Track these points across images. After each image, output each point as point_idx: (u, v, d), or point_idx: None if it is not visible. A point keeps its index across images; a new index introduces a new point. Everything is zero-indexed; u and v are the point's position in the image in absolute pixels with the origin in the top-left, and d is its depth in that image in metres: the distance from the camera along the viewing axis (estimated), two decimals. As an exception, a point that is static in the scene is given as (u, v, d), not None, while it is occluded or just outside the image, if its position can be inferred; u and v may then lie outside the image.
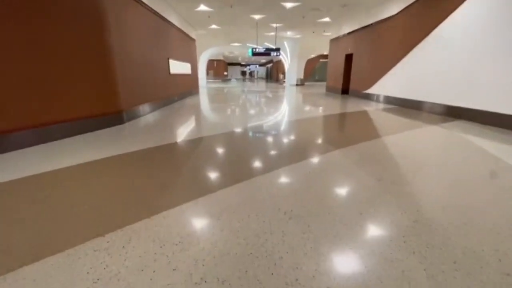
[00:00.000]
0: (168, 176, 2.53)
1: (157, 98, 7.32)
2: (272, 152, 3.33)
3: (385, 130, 4.70)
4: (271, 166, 2.79)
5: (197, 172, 2.63)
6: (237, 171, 2.65)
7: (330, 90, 13.50)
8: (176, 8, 8.96)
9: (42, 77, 3.71)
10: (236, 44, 18.41)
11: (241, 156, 3.16)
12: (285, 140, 3.99)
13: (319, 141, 3.97)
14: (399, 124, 5.25)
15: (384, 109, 7.19)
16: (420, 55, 6.72)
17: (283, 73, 28.47)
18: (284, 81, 26.27)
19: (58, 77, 3.91)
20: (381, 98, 8.57)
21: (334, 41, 12.89)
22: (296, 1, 8.23)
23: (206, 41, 17.30)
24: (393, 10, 7.78)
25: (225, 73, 40.52)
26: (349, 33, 10.95)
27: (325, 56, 31.26)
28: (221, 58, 32.88)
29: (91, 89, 4.48)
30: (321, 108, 8.03)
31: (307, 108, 8.21)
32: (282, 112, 7.14)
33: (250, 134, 4.38)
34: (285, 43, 19.65)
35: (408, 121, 5.54)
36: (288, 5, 8.65)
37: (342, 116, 6.32)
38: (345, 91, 11.79)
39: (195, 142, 3.84)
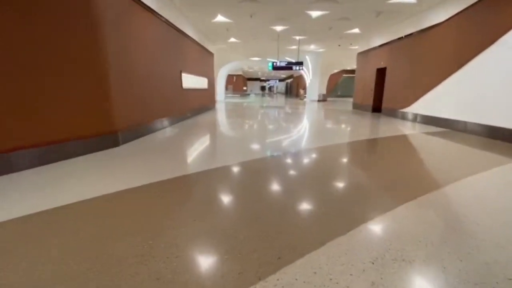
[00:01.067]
0: (132, 252, 1.51)
1: (166, 115, 6.54)
2: (302, 209, 2.23)
3: (458, 167, 3.44)
4: (304, 240, 1.70)
5: (181, 248, 1.59)
6: (246, 250, 1.59)
7: (358, 107, 12.25)
8: (191, 19, 8.38)
9: (15, 88, 2.95)
10: (255, 58, 17.87)
11: (254, 216, 2.09)
12: (317, 183, 2.88)
13: (368, 186, 2.81)
14: (472, 157, 3.96)
15: (434, 133, 5.88)
16: (481, 69, 5.43)
17: (304, 88, 27.54)
18: (305, 97, 25.26)
19: (31, 88, 3.15)
20: (424, 119, 7.23)
21: (362, 54, 11.78)
22: (323, 10, 7.32)
23: (225, 55, 16.88)
24: (439, 17, 6.60)
25: (244, 88, 40.39)
26: (381, 45, 9.82)
27: (348, 71, 30.13)
28: (240, 73, 32.72)
29: (75, 106, 3.70)
30: (354, 130, 6.85)
31: (337, 129, 7.06)
32: (307, 135, 6.05)
33: (268, 169, 3.33)
34: (307, 57, 18.82)
35: (481, 153, 4.23)
36: (314, 14, 7.76)
37: (387, 143, 5.09)
38: (376, 109, 10.50)
39: (192, 180, 2.84)
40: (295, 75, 36.06)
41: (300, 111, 12.36)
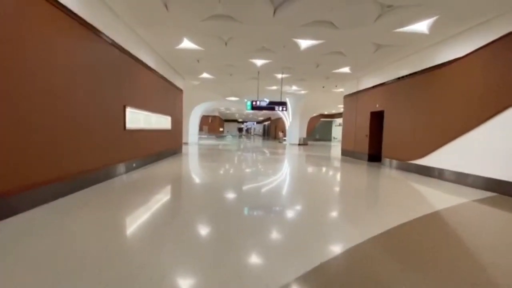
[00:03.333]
0: None
1: (89, 170, 4.15)
2: None
3: None
4: None
5: None
6: None
7: (348, 154, 10.67)
8: (150, 43, 6.59)
9: None
10: (233, 98, 16.45)
11: None
12: None
13: None
14: None
15: (488, 201, 4.08)
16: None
17: (283, 131, 26.52)
18: (284, 139, 23.99)
19: None
20: (449, 175, 5.56)
21: (351, 97, 10.65)
22: (316, 37, 5.92)
23: (199, 93, 15.27)
24: (459, 51, 5.40)
25: (221, 129, 38.91)
26: (375, 86, 8.66)
27: (326, 116, 30.09)
28: (217, 114, 31.40)
29: None
30: (368, 199, 4.91)
31: (346, 197, 5.07)
32: (302, 217, 3.95)
33: None
34: (287, 99, 17.86)
35: None
36: (304, 44, 6.36)
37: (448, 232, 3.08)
38: (373, 157, 8.92)
39: None
40: (272, 118, 35.56)
41: (282, 158, 10.47)
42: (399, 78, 7.36)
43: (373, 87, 8.76)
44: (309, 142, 23.54)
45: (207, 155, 10.96)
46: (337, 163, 8.97)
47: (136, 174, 5.58)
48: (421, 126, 6.46)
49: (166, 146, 8.59)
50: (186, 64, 8.61)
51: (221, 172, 6.69)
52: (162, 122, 8.06)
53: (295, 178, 6.25)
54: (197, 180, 5.70)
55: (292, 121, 20.41)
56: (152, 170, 6.17)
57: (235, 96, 15.80)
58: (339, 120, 29.35)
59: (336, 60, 7.61)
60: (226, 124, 44.13)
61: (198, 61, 8.16)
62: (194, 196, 4.28)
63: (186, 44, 6.56)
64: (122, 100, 5.35)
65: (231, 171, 6.75)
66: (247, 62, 8.19)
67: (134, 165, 5.95)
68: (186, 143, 16.25)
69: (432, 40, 5.73)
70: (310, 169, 7.71)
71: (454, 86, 5.49)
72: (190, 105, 16.61)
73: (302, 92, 14.48)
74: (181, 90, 10.54)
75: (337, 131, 30.51)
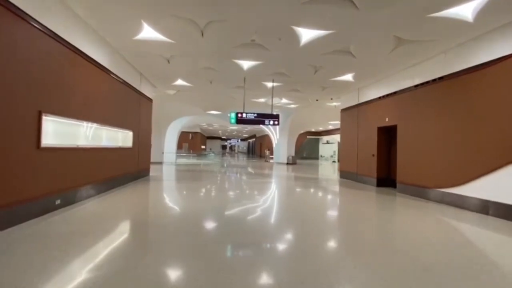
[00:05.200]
0: None
1: None
2: None
3: None
4: None
5: None
6: None
7: (349, 176, 9.13)
8: (93, 26, 4.79)
9: None
10: (214, 112, 14.76)
11: None
12: None
13: None
14: None
15: None
16: None
17: (269, 148, 24.95)
18: (271, 158, 22.35)
19: None
20: (505, 210, 4.05)
21: (350, 110, 9.31)
22: (325, 27, 4.44)
23: (176, 107, 13.44)
24: (501, 49, 4.11)
25: (203, 146, 36.77)
26: (383, 96, 7.33)
27: (313, 133, 29.05)
28: (198, 130, 29.45)
29: None
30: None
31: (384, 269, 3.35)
32: None
33: None
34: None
35: None
36: (306, 35, 4.86)
37: None
38: (383, 181, 7.40)
39: None
40: (258, 135, 34.08)
41: (275, 183, 8.73)
42: (417, 85, 6.04)
43: (380, 98, 7.43)
44: (297, 161, 22.06)
45: (182, 179, 9.00)
46: (341, 190, 7.35)
47: (57, 217, 3.57)
48: (456, 144, 5.02)
49: (123, 170, 6.57)
50: (154, 65, 6.87)
51: (194, 212, 4.80)
52: (118, 138, 6.13)
53: (298, 218, 4.49)
54: (157, 233, 3.78)
55: (279, 138, 18.95)
56: (86, 209, 4.16)
57: (217, 110, 14.13)
58: (326, 138, 28.37)
59: (341, 62, 6.21)
60: (208, 141, 42.14)
61: (168, 61, 6.45)
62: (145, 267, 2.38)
63: (148, 33, 4.86)
64: (35, 103, 3.45)
65: (208, 211, 4.89)
66: (231, 64, 6.59)
67: (57, 202, 3.92)
68: (161, 163, 14.15)
69: (472, 33, 4.42)
70: (312, 202, 6.01)
71: (506, 92, 4.12)
72: (165, 120, 14.71)
73: (292, 106, 13.08)
74: (149, 100, 8.71)
75: (324, 149, 29.43)
